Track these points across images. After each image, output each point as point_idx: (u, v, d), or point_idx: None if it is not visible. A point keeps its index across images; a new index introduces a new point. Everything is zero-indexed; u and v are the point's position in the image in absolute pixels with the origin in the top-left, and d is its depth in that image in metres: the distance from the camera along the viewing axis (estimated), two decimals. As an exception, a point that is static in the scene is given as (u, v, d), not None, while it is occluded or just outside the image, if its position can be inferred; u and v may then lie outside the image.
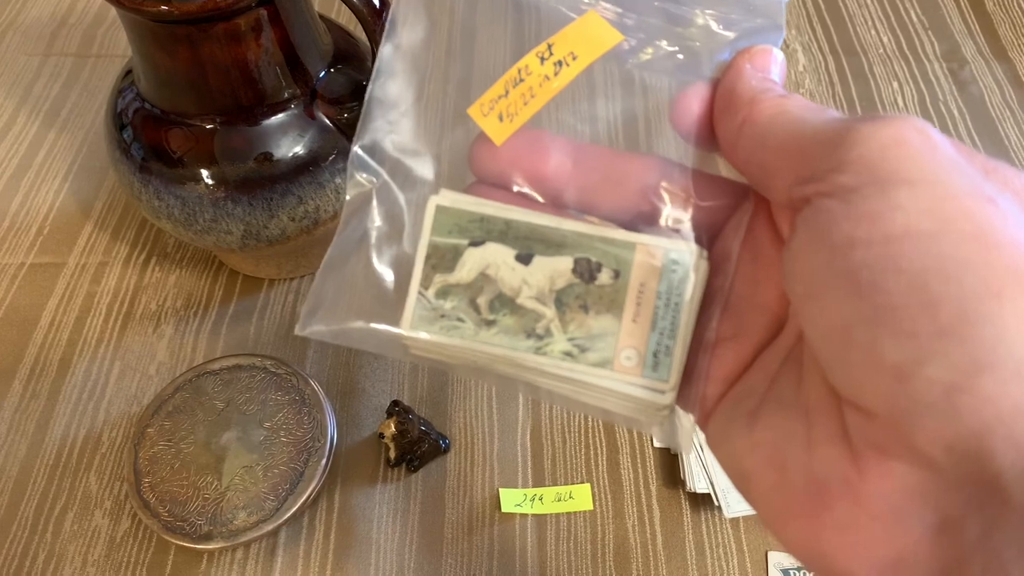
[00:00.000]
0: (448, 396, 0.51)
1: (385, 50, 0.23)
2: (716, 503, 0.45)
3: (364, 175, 0.22)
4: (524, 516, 0.47)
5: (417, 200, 0.22)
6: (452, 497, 0.47)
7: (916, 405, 0.15)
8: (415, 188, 0.23)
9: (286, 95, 0.44)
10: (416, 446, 0.47)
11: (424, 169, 0.23)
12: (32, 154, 0.65)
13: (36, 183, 0.63)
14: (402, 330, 0.22)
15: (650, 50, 0.22)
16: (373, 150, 0.22)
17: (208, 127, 0.43)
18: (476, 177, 0.23)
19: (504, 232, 0.22)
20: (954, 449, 0.15)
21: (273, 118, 0.44)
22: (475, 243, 0.22)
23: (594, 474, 0.48)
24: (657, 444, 0.49)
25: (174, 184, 0.45)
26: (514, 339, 0.21)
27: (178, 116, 0.44)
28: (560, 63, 0.21)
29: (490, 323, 0.21)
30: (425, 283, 0.22)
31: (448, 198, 0.22)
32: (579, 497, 0.47)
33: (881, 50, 0.73)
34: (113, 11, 0.68)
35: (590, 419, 0.50)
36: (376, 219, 0.22)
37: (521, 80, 0.21)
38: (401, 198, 0.22)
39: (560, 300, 0.21)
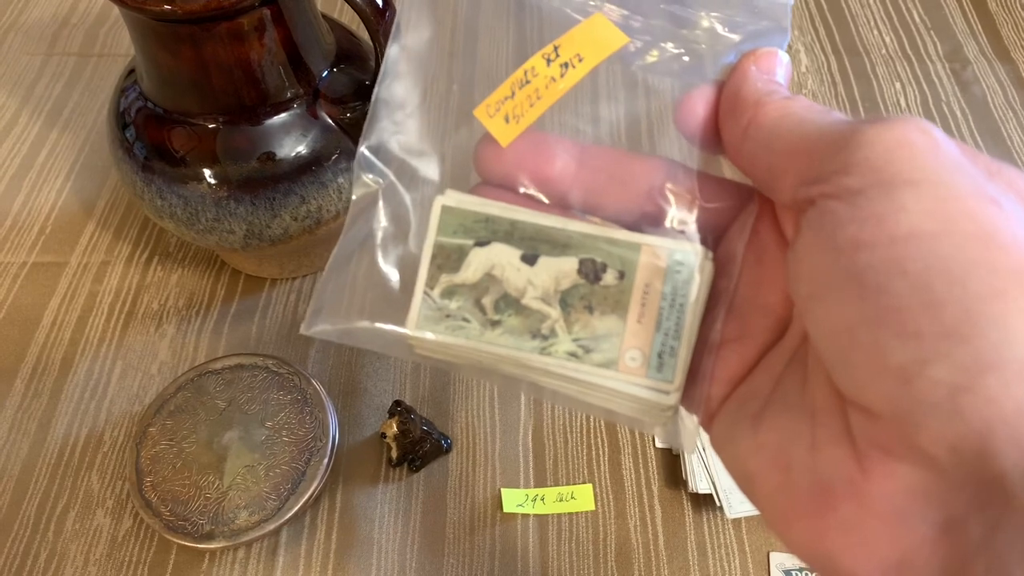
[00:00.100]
0: (450, 396, 0.51)
1: (391, 52, 0.23)
2: (718, 503, 0.46)
3: (370, 176, 0.22)
4: (526, 516, 0.47)
5: (423, 200, 0.22)
6: (454, 497, 0.48)
7: (920, 406, 0.15)
8: (421, 188, 0.23)
9: (289, 95, 0.44)
10: (418, 446, 0.47)
11: (430, 170, 0.23)
12: (34, 153, 0.65)
13: (38, 182, 0.63)
14: (407, 330, 0.22)
15: (655, 52, 0.22)
16: (379, 151, 0.22)
17: (211, 126, 0.44)
18: (481, 178, 0.23)
19: (509, 232, 0.22)
20: (958, 450, 0.15)
21: (276, 118, 0.44)
22: (480, 243, 0.22)
23: (596, 474, 0.48)
24: (659, 444, 0.49)
25: (177, 183, 0.45)
26: (519, 339, 0.21)
27: (181, 115, 0.44)
28: (566, 65, 0.21)
29: (495, 323, 0.21)
30: (431, 283, 0.22)
31: (454, 198, 0.22)
32: (581, 497, 0.47)
33: (884, 51, 0.73)
34: (115, 10, 0.68)
35: (592, 419, 0.50)
36: (382, 219, 0.22)
37: (527, 82, 0.21)
38: (407, 198, 0.22)
39: (565, 301, 0.21)
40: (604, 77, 0.23)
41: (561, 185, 0.22)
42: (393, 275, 0.22)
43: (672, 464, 0.49)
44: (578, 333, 0.21)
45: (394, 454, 0.47)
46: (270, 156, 0.44)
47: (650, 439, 0.50)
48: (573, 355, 0.21)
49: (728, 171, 0.22)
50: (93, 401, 0.51)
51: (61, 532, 0.46)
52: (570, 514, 0.47)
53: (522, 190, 0.22)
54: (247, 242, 0.47)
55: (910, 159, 0.16)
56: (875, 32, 0.75)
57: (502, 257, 0.22)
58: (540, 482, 0.48)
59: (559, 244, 0.21)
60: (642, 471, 0.48)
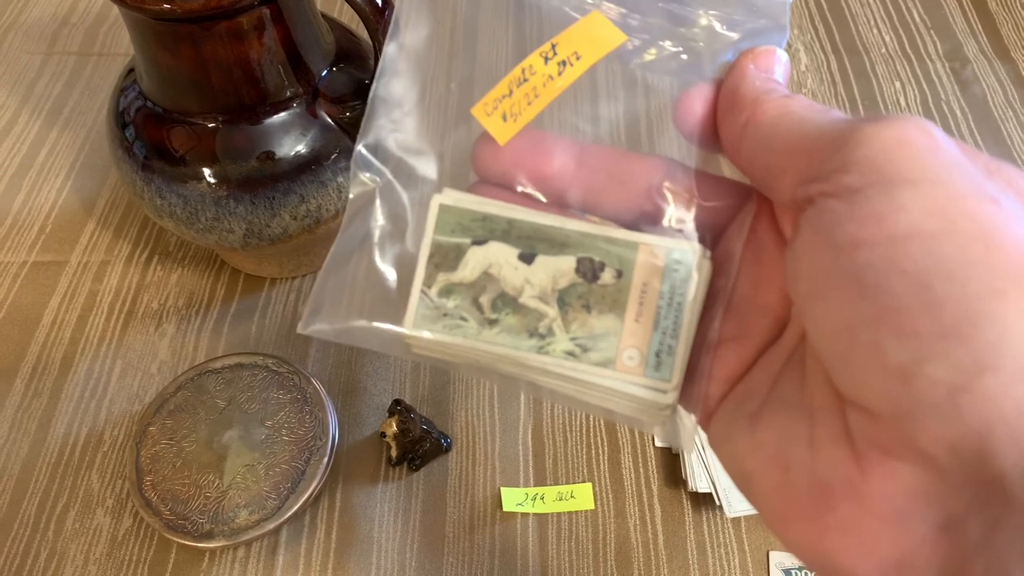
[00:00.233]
0: (450, 395, 0.51)
1: (389, 49, 0.23)
2: (717, 503, 0.46)
3: (367, 174, 0.22)
4: (525, 515, 0.47)
5: (420, 199, 0.22)
6: (453, 496, 0.47)
7: (919, 405, 0.15)
8: (418, 187, 0.23)
9: (288, 94, 0.44)
10: (418, 445, 0.47)
11: (427, 168, 0.23)
12: (34, 153, 0.65)
13: (38, 182, 0.63)
14: (405, 329, 0.22)
15: (654, 50, 0.22)
16: (377, 149, 0.22)
17: (210, 126, 0.44)
18: (479, 176, 0.23)
19: (507, 231, 0.22)
20: (957, 449, 0.15)
21: (275, 117, 0.44)
22: (478, 242, 0.22)
23: (595, 473, 0.48)
24: (659, 443, 0.49)
25: (176, 183, 0.45)
26: (516, 338, 0.21)
27: (180, 115, 0.44)
28: (564, 63, 0.21)
29: (493, 322, 0.21)
30: (428, 282, 0.22)
31: (451, 197, 0.22)
32: (580, 496, 0.47)
33: (883, 50, 0.73)
34: (115, 10, 0.68)
35: (592, 418, 0.50)
36: (379, 218, 0.22)
37: (525, 80, 0.21)
38: (404, 197, 0.22)
39: (563, 299, 0.21)
40: (603, 75, 0.23)
41: (559, 184, 0.22)
42: (390, 274, 0.22)
43: (672, 463, 0.48)
44: (576, 332, 0.21)
45: (394, 453, 0.47)
46: (269, 155, 0.44)
47: (650, 438, 0.50)
48: (571, 354, 0.21)
49: (727, 170, 0.22)
50: (93, 400, 0.51)
51: (61, 531, 0.46)
52: (570, 513, 0.47)
53: (520, 189, 0.22)
54: (247, 241, 0.47)
55: (909, 158, 0.16)
56: (875, 31, 0.75)
57: (500, 256, 0.21)
58: (540, 481, 0.48)
59: (557, 243, 0.21)
60: (642, 470, 0.48)
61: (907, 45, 0.73)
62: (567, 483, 0.48)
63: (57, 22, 0.75)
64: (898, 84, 0.70)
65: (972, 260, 0.15)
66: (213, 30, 0.39)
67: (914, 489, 0.16)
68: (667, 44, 0.22)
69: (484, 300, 0.21)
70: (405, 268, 0.22)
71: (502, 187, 0.22)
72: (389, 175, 0.22)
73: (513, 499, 0.47)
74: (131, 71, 0.47)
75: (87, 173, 0.63)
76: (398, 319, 0.22)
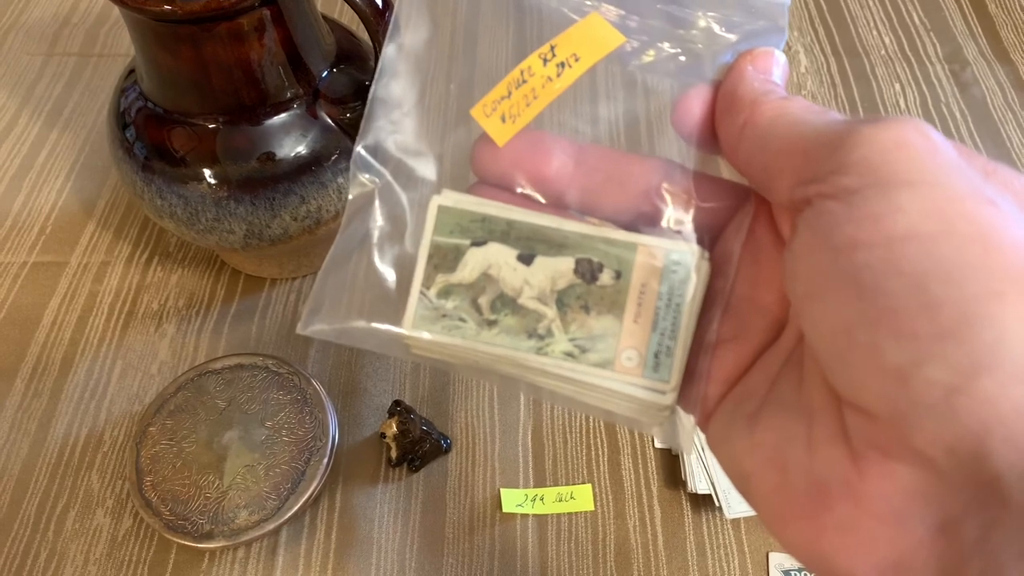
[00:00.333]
0: (449, 396, 0.51)
1: (388, 50, 0.23)
2: (717, 504, 0.46)
3: (367, 175, 0.22)
4: (525, 516, 0.47)
5: (419, 200, 0.22)
6: (453, 497, 0.48)
7: (916, 407, 0.15)
8: (417, 188, 0.23)
9: (289, 95, 0.44)
10: (417, 446, 0.47)
11: (426, 169, 0.23)
12: (35, 154, 0.65)
13: (38, 182, 0.63)
14: (404, 330, 0.22)
15: (652, 52, 0.22)
16: (376, 150, 0.22)
17: (211, 126, 0.44)
18: (478, 178, 0.23)
19: (506, 232, 0.22)
20: (954, 451, 0.15)
21: (276, 118, 0.44)
22: (477, 243, 0.22)
23: (595, 474, 0.48)
24: (658, 445, 0.49)
25: (177, 183, 0.45)
26: (515, 339, 0.21)
27: (181, 115, 0.44)
28: (563, 65, 0.21)
29: (492, 323, 0.21)
30: (427, 283, 0.22)
31: (450, 198, 0.22)
32: (580, 497, 0.47)
33: (883, 52, 0.73)
34: (116, 11, 0.68)
35: (591, 419, 0.50)
36: (378, 219, 0.22)
37: (524, 81, 0.21)
38: (403, 198, 0.22)
39: (561, 300, 0.21)
40: (603, 77, 0.23)
41: (558, 185, 0.22)
42: (389, 275, 0.22)
43: (671, 464, 0.49)
44: (574, 333, 0.21)
45: (394, 454, 0.47)
46: (270, 156, 0.44)
47: (649, 439, 0.50)
48: (569, 355, 0.21)
49: (725, 171, 0.22)
50: (93, 401, 0.51)
51: (61, 531, 0.46)
52: (569, 514, 0.47)
53: (519, 190, 0.22)
54: (247, 242, 0.47)
55: (907, 160, 0.16)
56: (874, 33, 0.75)
57: (498, 257, 0.22)
58: (539, 482, 0.48)
59: (555, 244, 0.21)
60: (641, 471, 0.48)
61: (907, 47, 0.73)
62: (567, 484, 0.48)
63: (58, 23, 0.75)
64: (898, 86, 0.70)
65: (970, 262, 0.15)
66: (214, 31, 0.39)
67: (911, 490, 0.16)
68: (666, 46, 0.22)
69: (483, 301, 0.21)
70: (404, 269, 0.22)
71: (501, 188, 0.22)
72: (388, 176, 0.22)
73: (513, 500, 0.47)
74: (132, 72, 0.47)
75: (87, 174, 0.63)
76: (397, 320, 0.22)
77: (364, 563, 0.45)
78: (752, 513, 0.45)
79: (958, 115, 0.68)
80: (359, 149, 0.22)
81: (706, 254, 0.21)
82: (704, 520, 0.47)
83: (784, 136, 0.19)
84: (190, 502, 0.44)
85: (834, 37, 0.75)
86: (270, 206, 0.45)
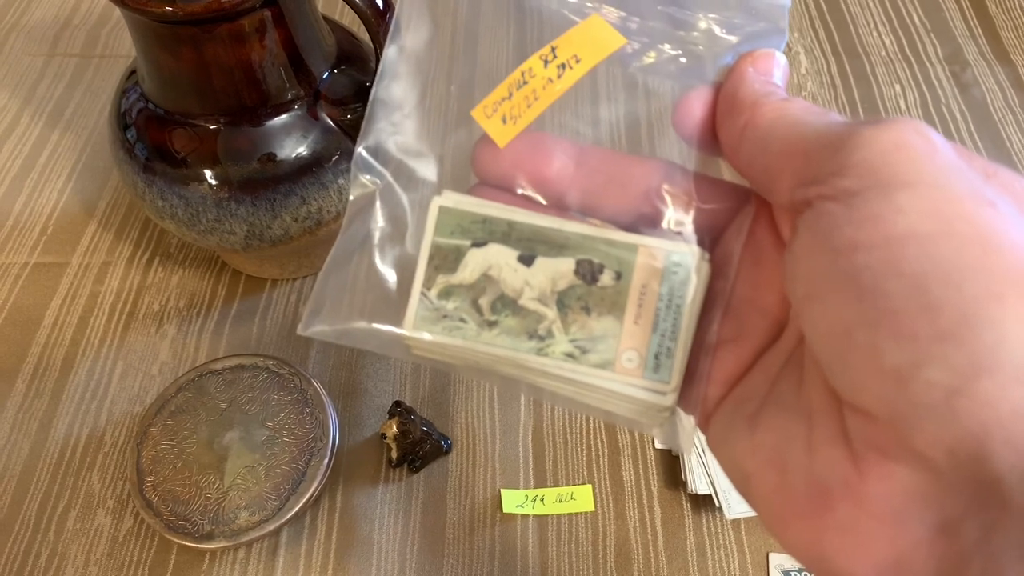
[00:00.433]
0: (450, 397, 0.51)
1: (389, 52, 0.23)
2: (717, 504, 0.46)
3: (368, 176, 0.22)
4: (525, 517, 0.47)
5: (420, 201, 0.22)
6: (454, 498, 0.48)
7: (916, 408, 0.15)
8: (418, 189, 0.23)
9: (290, 96, 0.44)
10: (418, 447, 0.47)
11: (427, 170, 0.23)
12: (36, 154, 0.65)
13: (40, 183, 0.63)
14: (404, 330, 0.22)
15: (653, 54, 0.22)
16: (377, 151, 0.22)
17: (212, 128, 0.44)
18: (479, 179, 0.23)
19: (507, 233, 0.22)
20: (954, 452, 0.15)
21: (277, 119, 0.44)
22: (478, 244, 0.22)
23: (595, 475, 0.48)
24: (658, 445, 0.49)
25: (178, 184, 0.45)
26: (516, 340, 0.21)
27: (182, 116, 0.44)
28: (563, 66, 0.21)
29: (492, 324, 0.21)
30: (428, 284, 0.22)
31: (451, 199, 0.22)
32: (580, 498, 0.47)
33: (883, 52, 0.73)
34: (117, 12, 0.68)
35: (592, 420, 0.50)
36: (379, 220, 0.22)
37: (524, 83, 0.21)
38: (404, 199, 0.23)
39: (562, 301, 0.21)
40: (604, 79, 0.23)
41: (559, 186, 0.22)
42: (390, 276, 0.22)
43: (672, 465, 0.49)
44: (575, 334, 0.21)
45: (394, 455, 0.47)
46: (271, 157, 0.44)
47: (650, 440, 0.50)
48: (570, 356, 0.21)
49: (726, 172, 0.22)
50: (94, 401, 0.51)
51: (62, 532, 0.46)
52: (570, 515, 0.47)
53: (519, 191, 0.22)
54: (248, 243, 0.47)
55: (907, 161, 0.16)
56: (875, 34, 0.75)
57: (499, 258, 0.22)
58: (540, 483, 0.48)
59: (556, 245, 0.21)
60: (642, 472, 0.48)
61: (907, 48, 0.73)
62: (567, 485, 0.48)
63: (59, 24, 0.75)
64: (898, 87, 0.70)
65: (969, 263, 0.15)
66: (215, 32, 0.40)
67: (911, 491, 0.16)
68: (666, 47, 0.22)
69: (484, 302, 0.21)
70: (405, 270, 0.22)
71: (502, 189, 0.22)
72: (389, 177, 0.22)
73: (513, 501, 0.47)
74: (133, 73, 0.47)
75: (88, 175, 0.63)
76: (398, 321, 0.22)
77: (364, 564, 0.45)
78: (752, 514, 0.45)
79: (958, 116, 0.68)
80: (360, 150, 0.22)
81: (706, 255, 0.21)
82: (704, 521, 0.47)
83: (785, 138, 0.19)
84: (191, 503, 0.44)
85: (834, 38, 0.75)
86: (271, 207, 0.45)
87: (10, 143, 0.65)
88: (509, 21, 0.24)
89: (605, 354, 0.21)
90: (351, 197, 0.22)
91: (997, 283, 0.15)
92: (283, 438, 0.46)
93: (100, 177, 0.63)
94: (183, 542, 0.43)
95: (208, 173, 0.44)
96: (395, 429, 0.45)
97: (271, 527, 0.43)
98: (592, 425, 0.50)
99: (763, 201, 0.21)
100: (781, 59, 0.21)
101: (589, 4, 0.22)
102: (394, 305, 0.22)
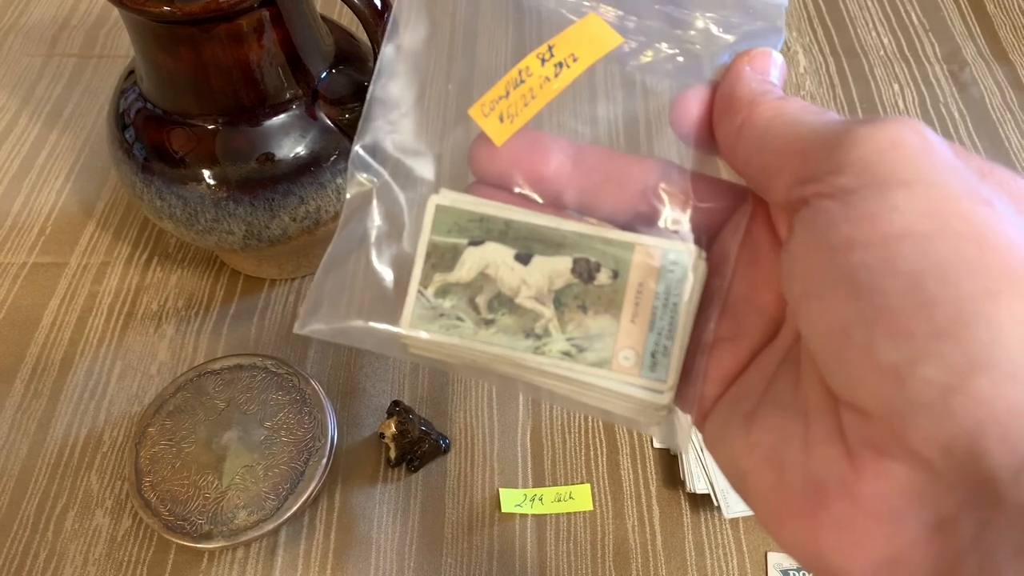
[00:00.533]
0: (448, 396, 0.51)
1: (386, 51, 0.23)
2: (716, 503, 0.46)
3: (365, 175, 0.22)
4: (524, 516, 0.47)
5: (417, 199, 0.22)
6: (452, 497, 0.48)
7: (912, 406, 0.15)
8: (415, 188, 0.23)
9: (288, 96, 0.44)
10: (416, 446, 0.47)
11: (425, 169, 0.23)
12: (34, 154, 0.65)
13: (38, 183, 0.63)
14: (401, 329, 0.22)
15: (650, 53, 0.22)
16: (374, 150, 0.22)
17: (210, 127, 0.44)
18: (476, 177, 0.23)
19: (504, 232, 0.22)
20: (949, 450, 0.15)
21: (275, 118, 0.44)
22: (475, 242, 0.22)
23: (594, 474, 0.48)
24: (657, 445, 0.50)
25: (176, 184, 0.45)
26: (513, 338, 0.21)
27: (180, 116, 0.44)
28: (561, 65, 0.21)
29: (489, 322, 0.21)
30: (425, 282, 0.22)
31: (448, 198, 0.22)
32: (579, 497, 0.47)
33: (882, 52, 0.73)
34: (115, 12, 0.68)
35: (590, 419, 0.50)
36: (376, 218, 0.22)
37: (522, 81, 0.21)
38: (401, 197, 0.23)
39: (559, 300, 0.21)
40: (602, 77, 0.23)
41: (556, 184, 0.22)
42: (387, 274, 0.22)
43: (670, 464, 0.49)
44: (572, 332, 0.21)
45: (392, 454, 0.47)
46: (269, 157, 0.44)
47: (648, 439, 0.50)
48: (567, 354, 0.21)
49: (724, 172, 0.22)
50: (92, 401, 0.51)
51: (60, 532, 0.46)
52: (568, 514, 0.47)
53: (517, 189, 0.22)
54: (246, 243, 0.47)
55: (903, 159, 0.16)
56: (873, 34, 0.75)
57: (496, 256, 0.22)
58: (538, 482, 0.48)
59: (553, 243, 0.21)
60: (640, 471, 0.48)
61: (905, 47, 0.73)
62: (565, 484, 0.48)
63: (57, 24, 0.75)
64: (896, 86, 0.70)
65: (965, 261, 0.15)
66: (213, 32, 0.40)
67: (907, 489, 0.16)
68: (664, 46, 0.22)
69: (480, 300, 0.22)
70: (402, 268, 0.22)
71: (499, 188, 0.22)
72: (386, 176, 0.22)
73: (511, 500, 0.47)
74: (131, 73, 0.47)
75: (87, 175, 0.63)
76: (395, 319, 0.22)
77: (363, 563, 0.45)
78: (751, 513, 0.45)
79: (957, 115, 0.68)
80: (357, 149, 0.22)
81: (703, 254, 0.21)
82: (703, 520, 0.47)
83: (781, 136, 0.19)
84: (189, 502, 0.44)
85: (833, 37, 0.75)
86: (269, 207, 0.45)
87: (8, 143, 0.65)
88: (507, 20, 0.24)
89: (602, 353, 0.21)
90: (348, 196, 0.22)
91: (993, 281, 0.15)
92: (281, 438, 0.46)
93: (98, 177, 0.63)
94: (181, 542, 0.43)
95: (206, 173, 0.44)
96: (393, 429, 0.45)
97: (269, 527, 0.43)
98: (590, 424, 0.50)
99: (760, 200, 0.21)
100: (778, 58, 0.21)
101: (586, 3, 0.22)
102: (391, 303, 0.22)
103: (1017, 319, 0.14)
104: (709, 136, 0.21)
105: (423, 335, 0.22)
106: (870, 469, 0.16)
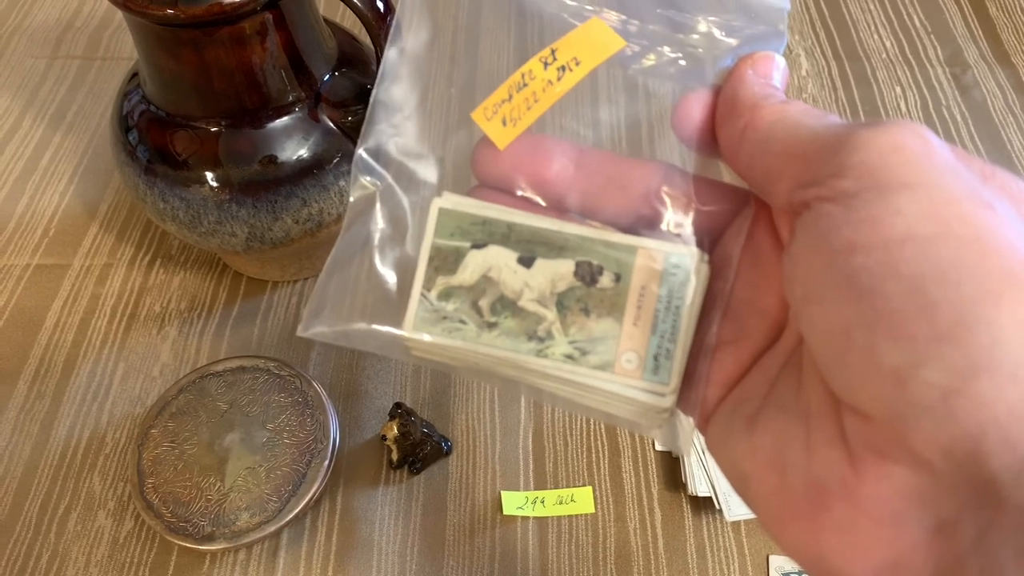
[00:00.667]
0: (450, 399, 0.51)
1: (390, 54, 0.23)
2: (717, 506, 0.46)
3: (368, 178, 0.22)
4: (526, 519, 0.47)
5: (420, 203, 0.23)
6: (454, 500, 0.48)
7: (913, 408, 0.15)
8: (418, 191, 0.23)
9: (291, 98, 0.44)
10: (418, 448, 0.47)
11: (427, 172, 0.23)
12: (38, 156, 0.65)
13: (42, 185, 0.63)
14: (404, 332, 0.22)
15: (653, 56, 0.22)
16: (377, 153, 0.23)
17: (213, 130, 0.44)
18: (479, 180, 0.23)
19: (506, 235, 0.22)
20: (950, 452, 0.15)
21: (278, 121, 0.44)
22: (477, 245, 0.22)
23: (596, 477, 0.48)
24: (659, 447, 0.50)
25: (179, 186, 0.45)
26: (515, 341, 0.21)
27: (183, 119, 0.44)
28: (563, 68, 0.22)
29: (492, 325, 0.21)
30: (427, 285, 0.22)
31: (451, 201, 0.22)
32: (581, 500, 0.47)
33: (884, 55, 0.73)
34: (119, 14, 0.69)
35: (592, 422, 0.50)
36: (379, 221, 0.22)
37: (524, 85, 0.22)
38: (404, 201, 0.23)
39: (561, 303, 0.21)
40: (605, 81, 0.23)
41: (558, 188, 0.22)
42: (390, 277, 0.22)
43: (672, 467, 0.49)
44: (574, 335, 0.21)
45: (394, 456, 0.47)
46: (272, 159, 0.44)
47: (650, 442, 0.50)
48: (569, 357, 0.21)
49: (726, 175, 0.22)
50: (95, 403, 0.51)
51: (63, 533, 0.46)
52: (570, 517, 0.47)
53: (519, 193, 0.22)
54: (249, 245, 0.47)
55: (905, 163, 0.16)
56: (875, 36, 0.75)
57: (499, 259, 0.22)
58: (540, 485, 0.48)
59: (556, 246, 0.22)
60: (642, 474, 0.48)
61: (907, 50, 0.74)
62: (567, 487, 0.48)
63: (61, 26, 0.76)
64: (898, 89, 0.70)
65: (966, 264, 0.15)
66: (216, 35, 0.40)
67: (908, 491, 0.16)
68: (666, 50, 0.22)
69: (483, 303, 0.22)
70: (405, 271, 0.22)
71: (502, 191, 0.23)
72: (389, 179, 0.23)
73: (513, 503, 0.47)
74: (135, 75, 0.47)
75: (90, 177, 0.64)
76: (397, 322, 0.22)
77: (365, 565, 0.45)
78: (753, 516, 0.45)
79: (959, 118, 0.68)
80: (360, 152, 0.22)
81: (706, 257, 0.21)
82: (704, 523, 0.47)
83: (784, 140, 0.19)
84: (191, 504, 0.44)
85: (835, 40, 0.75)
86: (272, 209, 0.45)
87: (12, 145, 0.66)
88: (510, 23, 0.24)
89: (604, 355, 0.21)
90: (351, 199, 0.22)
91: (994, 283, 0.15)
92: (284, 440, 0.46)
93: (102, 179, 0.63)
94: (184, 544, 0.43)
95: (209, 175, 0.44)
96: (395, 431, 0.45)
97: (271, 529, 0.43)
98: (592, 427, 0.50)
99: (762, 203, 0.21)
100: (780, 62, 0.21)
101: (589, 7, 0.22)
102: (394, 306, 0.22)
103: (1018, 322, 0.15)
104: (711, 139, 0.21)
105: (426, 338, 0.22)
106: (872, 472, 0.16)
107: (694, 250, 0.21)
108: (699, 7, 0.22)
